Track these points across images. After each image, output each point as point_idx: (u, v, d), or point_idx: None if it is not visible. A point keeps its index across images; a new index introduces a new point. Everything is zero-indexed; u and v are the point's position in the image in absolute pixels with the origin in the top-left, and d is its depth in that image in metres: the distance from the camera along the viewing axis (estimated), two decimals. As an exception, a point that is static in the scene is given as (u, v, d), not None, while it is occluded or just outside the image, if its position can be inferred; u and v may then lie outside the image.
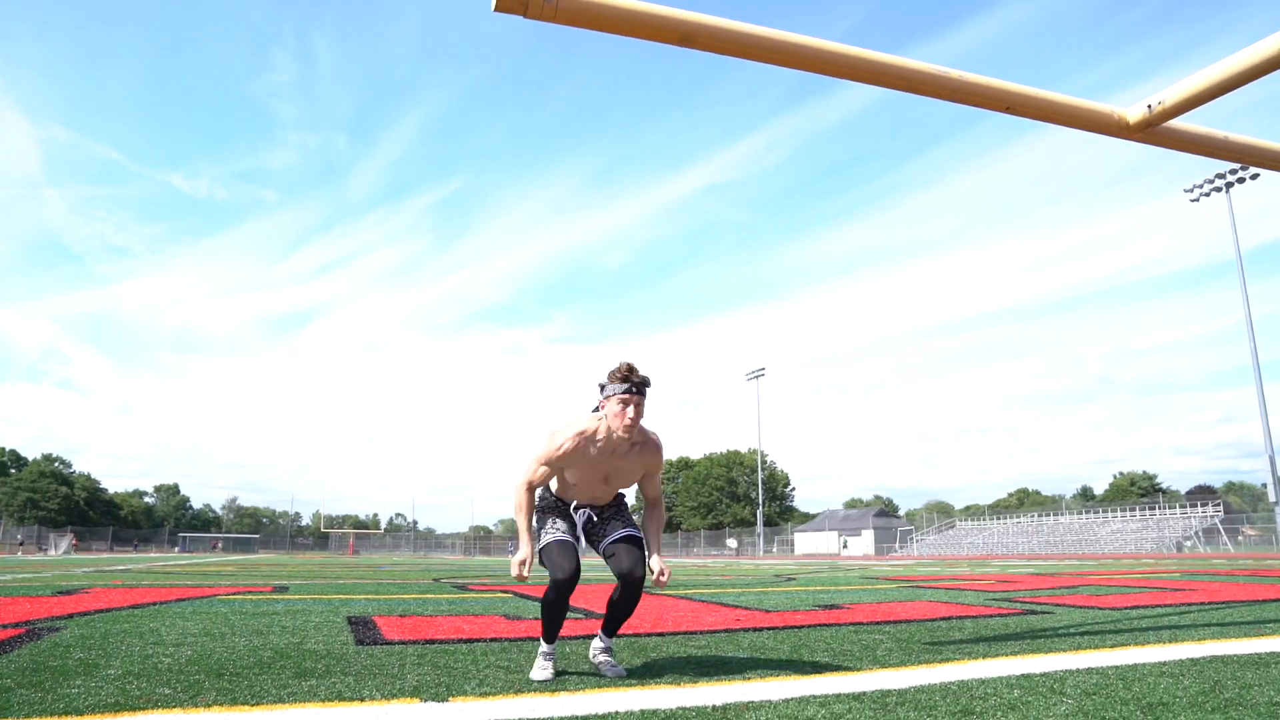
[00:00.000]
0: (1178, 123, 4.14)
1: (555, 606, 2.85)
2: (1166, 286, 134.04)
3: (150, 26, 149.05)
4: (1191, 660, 3.09)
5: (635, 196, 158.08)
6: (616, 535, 3.01)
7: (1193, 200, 39.57)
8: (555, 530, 2.96)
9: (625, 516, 3.14)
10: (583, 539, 3.09)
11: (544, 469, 2.98)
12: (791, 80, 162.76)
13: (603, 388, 2.86)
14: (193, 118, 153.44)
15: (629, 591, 2.91)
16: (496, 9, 3.02)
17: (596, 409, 2.94)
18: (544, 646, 2.89)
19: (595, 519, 3.09)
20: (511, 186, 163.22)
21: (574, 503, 3.11)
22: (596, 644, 3.06)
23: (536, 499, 3.08)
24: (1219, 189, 38.24)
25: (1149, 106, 3.90)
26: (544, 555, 2.92)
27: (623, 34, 3.26)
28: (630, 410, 2.78)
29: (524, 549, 2.88)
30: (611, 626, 3.02)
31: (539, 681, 2.75)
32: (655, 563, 2.96)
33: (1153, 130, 4.04)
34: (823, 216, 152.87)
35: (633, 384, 2.78)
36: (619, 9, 3.15)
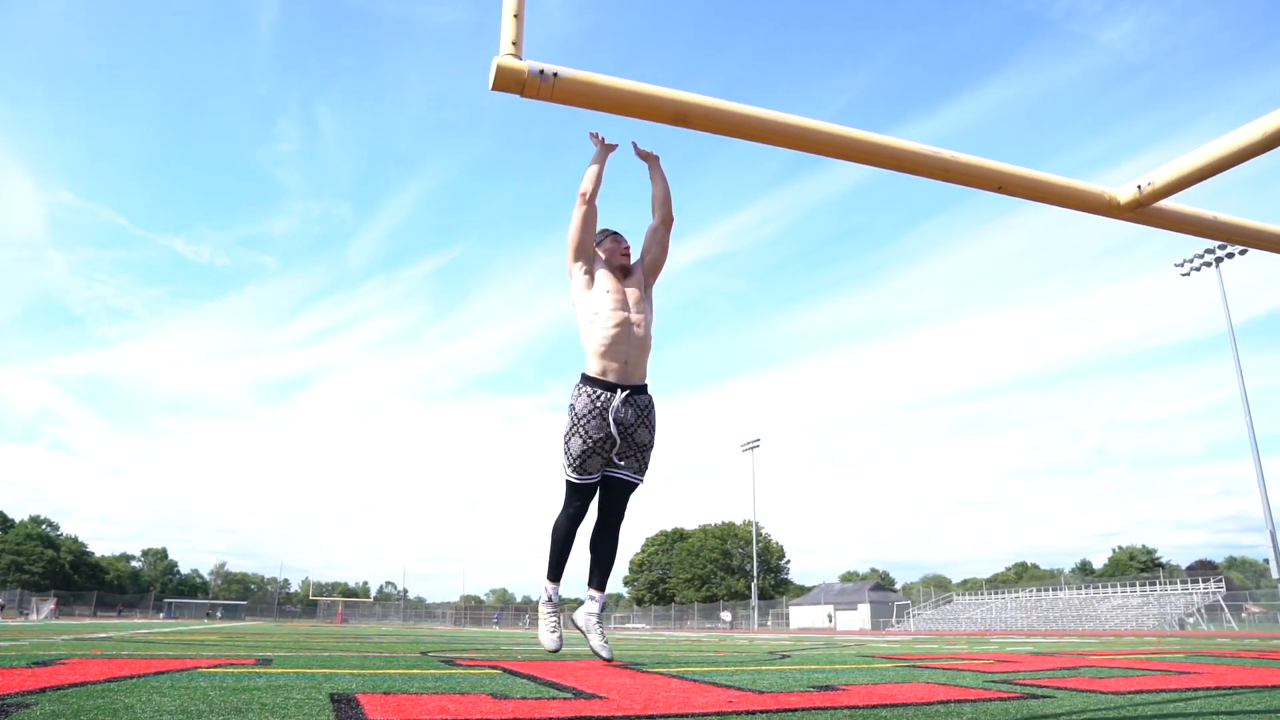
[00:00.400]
0: (1167, 203, 4.20)
1: (563, 535, 3.12)
2: (1160, 359, 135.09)
3: (158, 93, 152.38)
4: (1198, 752, 3.00)
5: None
6: (619, 474, 3.26)
7: (1184, 275, 40.12)
8: (578, 466, 3.20)
9: (642, 460, 3.37)
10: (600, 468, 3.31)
11: (593, 207, 3.62)
12: (785, 157, 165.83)
13: (597, 246, 3.70)
14: (197, 184, 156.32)
15: (608, 527, 3.14)
16: (493, 88, 3.07)
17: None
18: (548, 588, 3.08)
19: (619, 443, 3.30)
20: (510, 256, 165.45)
21: (609, 390, 3.32)
22: (586, 607, 3.15)
23: (576, 397, 3.32)
24: (1209, 264, 38.82)
25: (1139, 187, 3.96)
26: (566, 483, 3.21)
27: (617, 113, 3.32)
28: (624, 243, 3.67)
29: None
30: (598, 577, 3.17)
31: (550, 651, 2.88)
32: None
33: (1143, 210, 4.09)
34: (818, 288, 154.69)
35: (610, 230, 3.65)
36: (614, 90, 3.21)
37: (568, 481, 3.23)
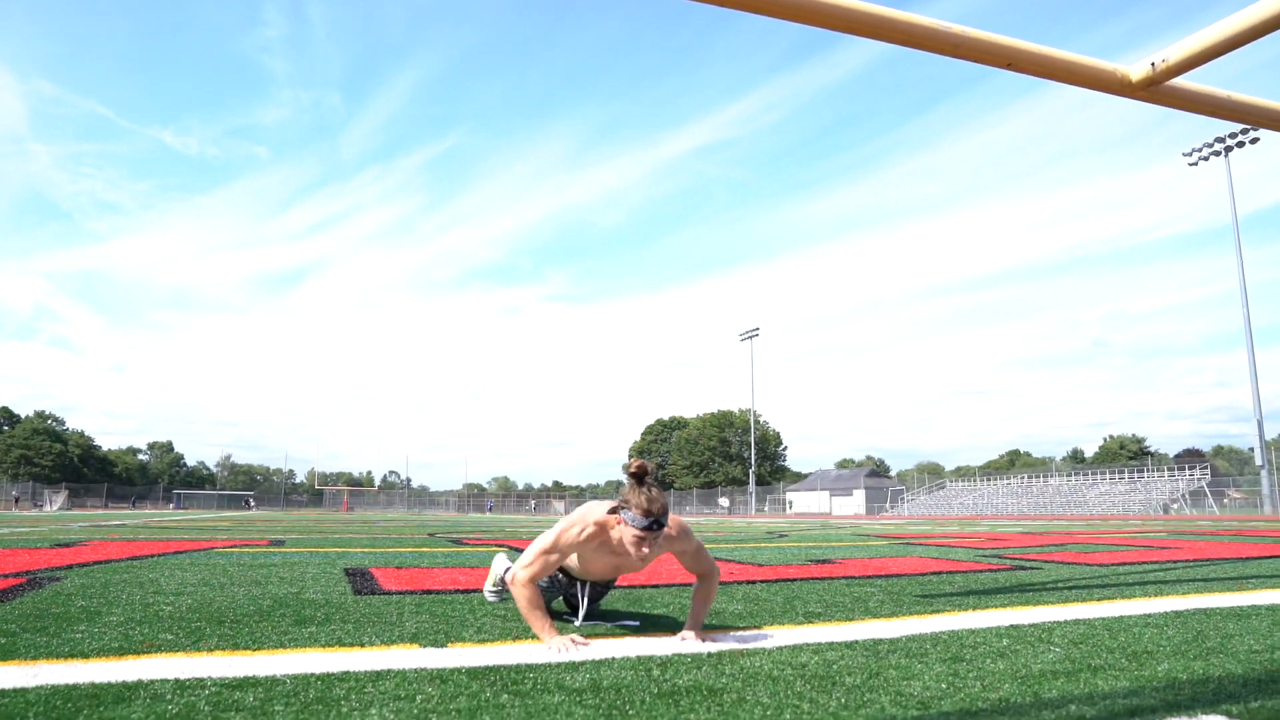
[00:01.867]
0: (1181, 81, 4.10)
1: (537, 597, 2.73)
2: (1164, 250, 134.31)
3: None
4: (1175, 613, 3.15)
5: (630, 157, 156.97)
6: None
7: (1191, 164, 39.48)
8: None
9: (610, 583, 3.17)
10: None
11: (552, 558, 2.76)
12: (789, 41, 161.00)
13: (624, 501, 2.69)
14: (182, 73, 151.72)
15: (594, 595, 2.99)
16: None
17: (614, 510, 2.74)
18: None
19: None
20: (506, 146, 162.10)
21: (575, 580, 3.03)
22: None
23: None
24: (1218, 153, 38.15)
25: (1152, 64, 3.87)
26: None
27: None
28: (647, 548, 2.64)
29: (551, 640, 2.56)
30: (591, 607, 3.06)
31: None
32: (688, 633, 2.69)
33: (1155, 89, 4.01)
34: (819, 177, 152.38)
35: (654, 521, 2.62)
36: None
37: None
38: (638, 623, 3.01)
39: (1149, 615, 3.08)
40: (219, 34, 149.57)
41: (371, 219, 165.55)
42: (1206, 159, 38.39)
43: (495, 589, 3.59)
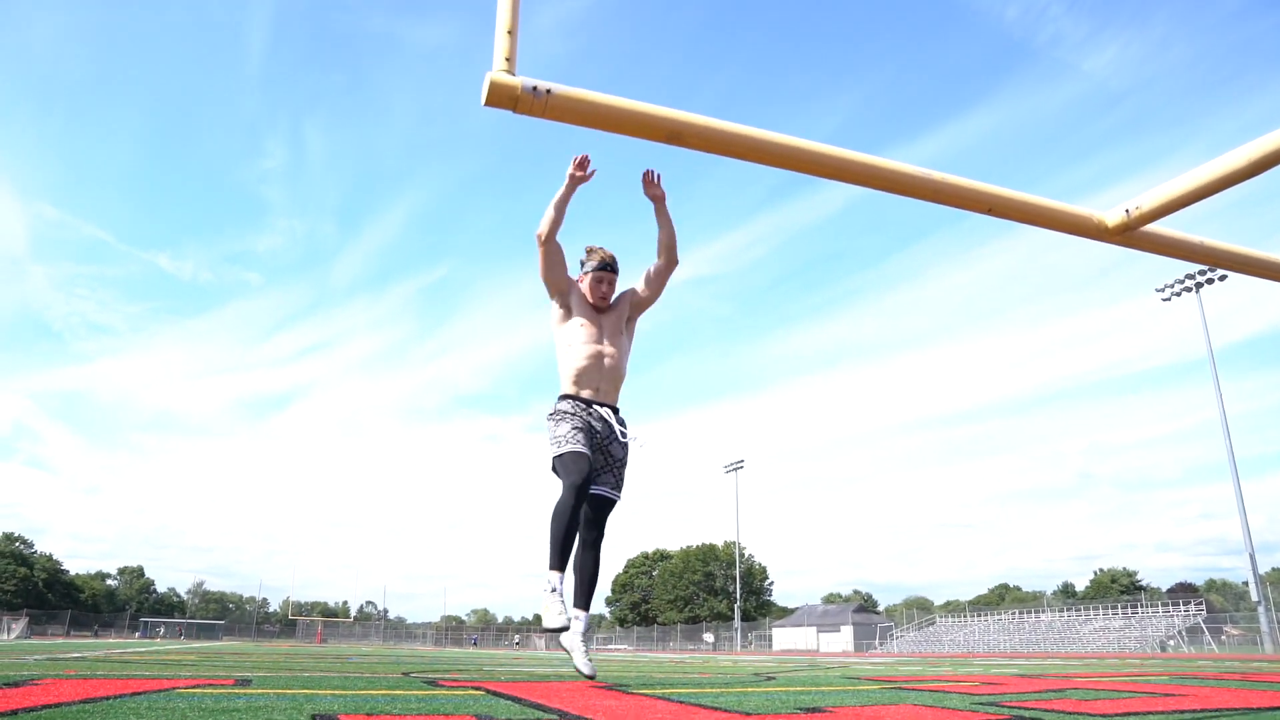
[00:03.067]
0: (1154, 227, 4.23)
1: (568, 515, 3.13)
2: (1142, 383, 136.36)
3: (144, 108, 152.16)
4: (1189, 775, 2.98)
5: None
6: (598, 490, 3.39)
7: (1164, 300, 40.55)
8: (571, 440, 3.25)
9: (619, 475, 3.61)
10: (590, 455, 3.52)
11: (553, 247, 3.56)
12: (775, 179, 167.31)
13: (583, 263, 3.62)
14: (182, 200, 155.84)
15: (590, 545, 3.28)
16: (486, 104, 3.07)
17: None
18: (552, 580, 3.12)
19: (599, 457, 3.52)
20: (496, 275, 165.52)
21: (585, 404, 3.41)
22: (572, 627, 3.24)
23: (556, 405, 3.51)
24: (1189, 289, 39.25)
25: (1127, 211, 4.00)
26: (557, 463, 3.24)
27: (611, 131, 3.32)
28: (604, 285, 3.59)
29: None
30: (581, 595, 3.27)
31: (553, 630, 2.99)
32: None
33: (1131, 234, 4.13)
34: (804, 311, 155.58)
35: (605, 264, 3.56)
36: (608, 107, 3.21)
37: (561, 458, 3.26)
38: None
39: (1160, 778, 2.91)
40: (220, 163, 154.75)
41: (360, 346, 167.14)
42: (1179, 295, 39.44)
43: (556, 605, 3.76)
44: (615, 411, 3.57)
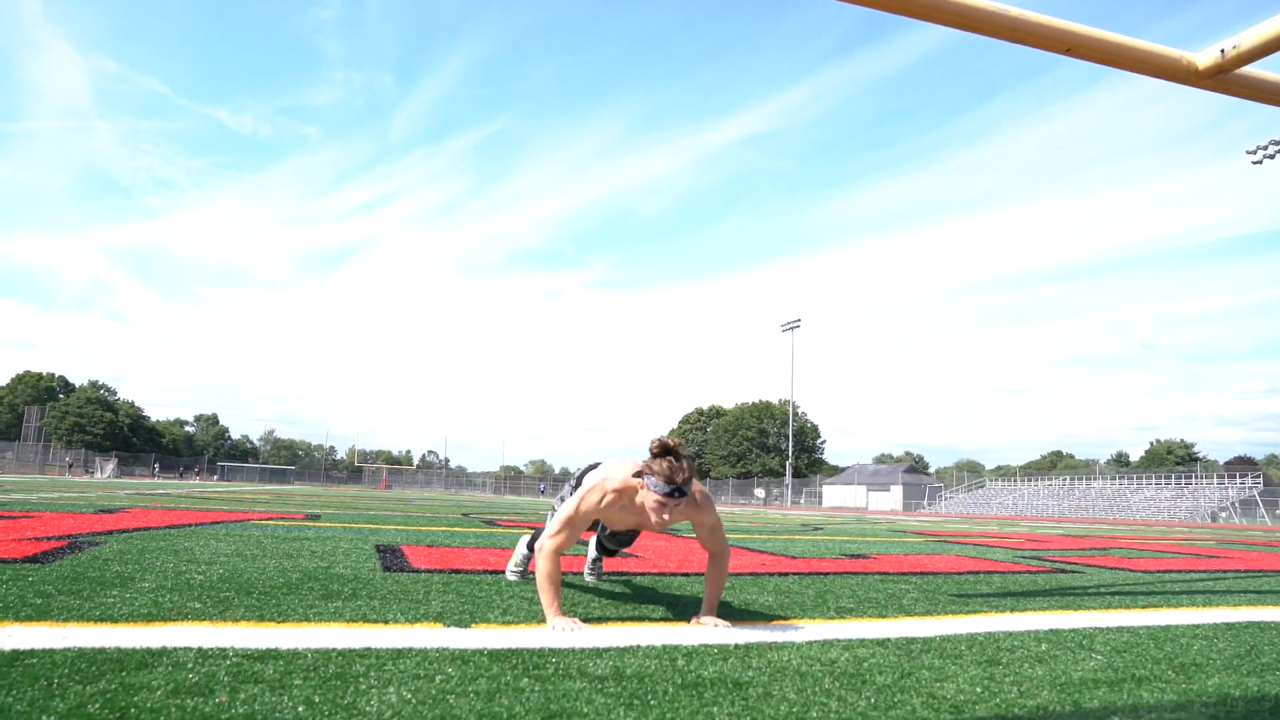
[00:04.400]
0: (1251, 69, 3.93)
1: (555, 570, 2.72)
2: (1222, 252, 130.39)
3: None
4: (1227, 625, 3.03)
5: (677, 144, 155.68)
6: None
7: (1255, 162, 38.24)
8: (570, 534, 2.78)
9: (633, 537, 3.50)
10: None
11: (577, 525, 2.80)
12: (841, 30, 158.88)
13: (648, 467, 2.68)
14: (239, 53, 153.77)
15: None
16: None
17: (639, 474, 2.74)
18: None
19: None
20: (553, 130, 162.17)
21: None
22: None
23: (589, 491, 2.86)
24: (1282, 151, 36.88)
25: (1221, 51, 3.71)
26: (559, 521, 2.78)
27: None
28: (668, 514, 2.65)
29: (555, 620, 2.55)
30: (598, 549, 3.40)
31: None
32: (706, 618, 2.71)
33: (1224, 77, 3.84)
34: (866, 169, 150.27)
35: (676, 489, 2.63)
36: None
37: (556, 533, 2.78)
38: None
39: (1197, 626, 2.96)
40: (275, 14, 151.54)
41: (417, 201, 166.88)
42: (1272, 157, 37.16)
43: (518, 569, 3.71)
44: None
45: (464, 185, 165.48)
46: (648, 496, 2.65)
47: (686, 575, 4.09)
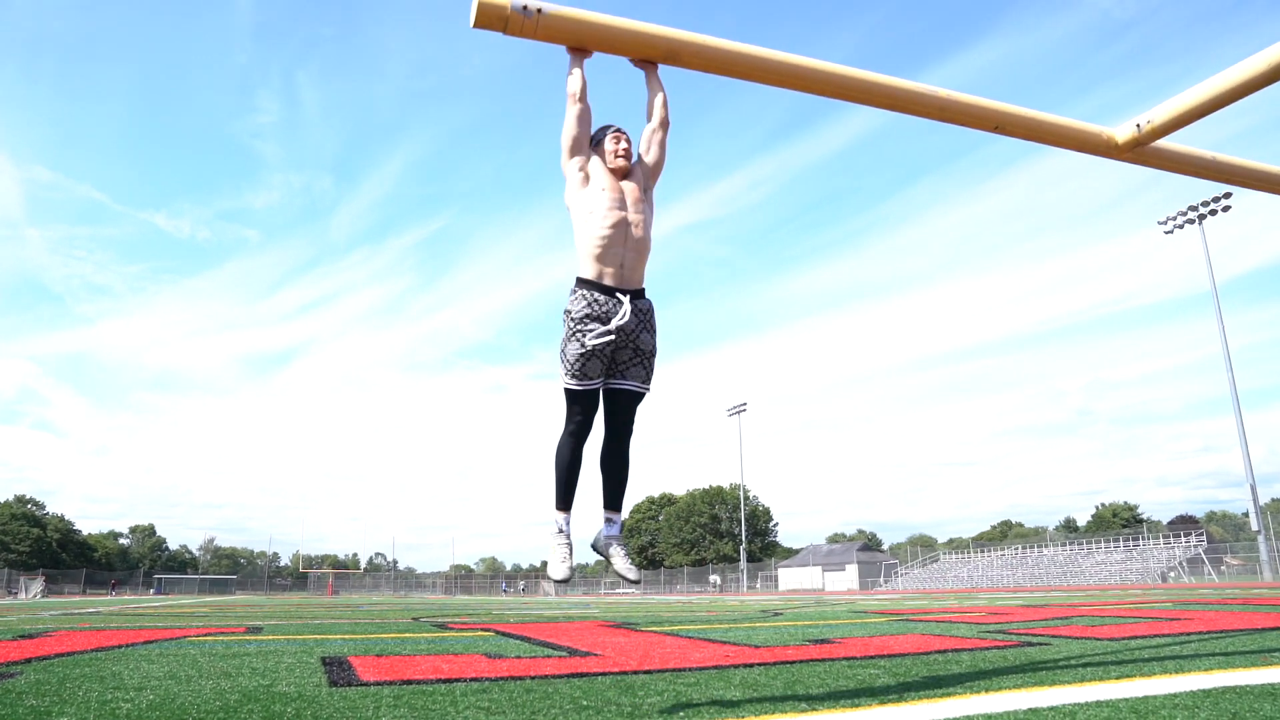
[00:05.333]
0: (1165, 143, 4.11)
1: (568, 456, 3.16)
2: (1143, 319, 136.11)
3: (135, 67, 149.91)
4: (1204, 691, 2.97)
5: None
6: (624, 385, 3.25)
7: (1166, 232, 40.19)
8: (579, 373, 3.15)
9: (648, 368, 3.40)
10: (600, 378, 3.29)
11: (585, 105, 3.35)
12: (775, 120, 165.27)
13: (593, 138, 3.44)
14: (176, 158, 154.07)
15: (617, 442, 3.20)
16: (475, 25, 2.95)
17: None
18: (558, 519, 3.06)
19: (619, 354, 3.30)
20: (495, 224, 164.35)
21: (608, 293, 3.28)
22: (603, 530, 3.18)
23: (572, 300, 3.28)
24: (1191, 221, 38.86)
25: (1137, 126, 3.88)
26: (567, 394, 3.15)
27: (605, 50, 3.19)
28: (622, 141, 3.39)
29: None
30: (612, 497, 3.20)
31: (558, 581, 2.97)
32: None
33: (1141, 150, 4.01)
34: (805, 253, 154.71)
35: (614, 126, 3.44)
36: (601, 26, 3.09)
37: (567, 391, 3.13)
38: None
39: (1176, 695, 2.90)
40: (213, 120, 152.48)
41: (360, 300, 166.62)
42: (1181, 227, 39.05)
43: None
44: (642, 294, 3.37)
45: (407, 283, 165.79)
46: (604, 149, 3.42)
47: (649, 673, 3.92)
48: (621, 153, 3.29)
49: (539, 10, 2.99)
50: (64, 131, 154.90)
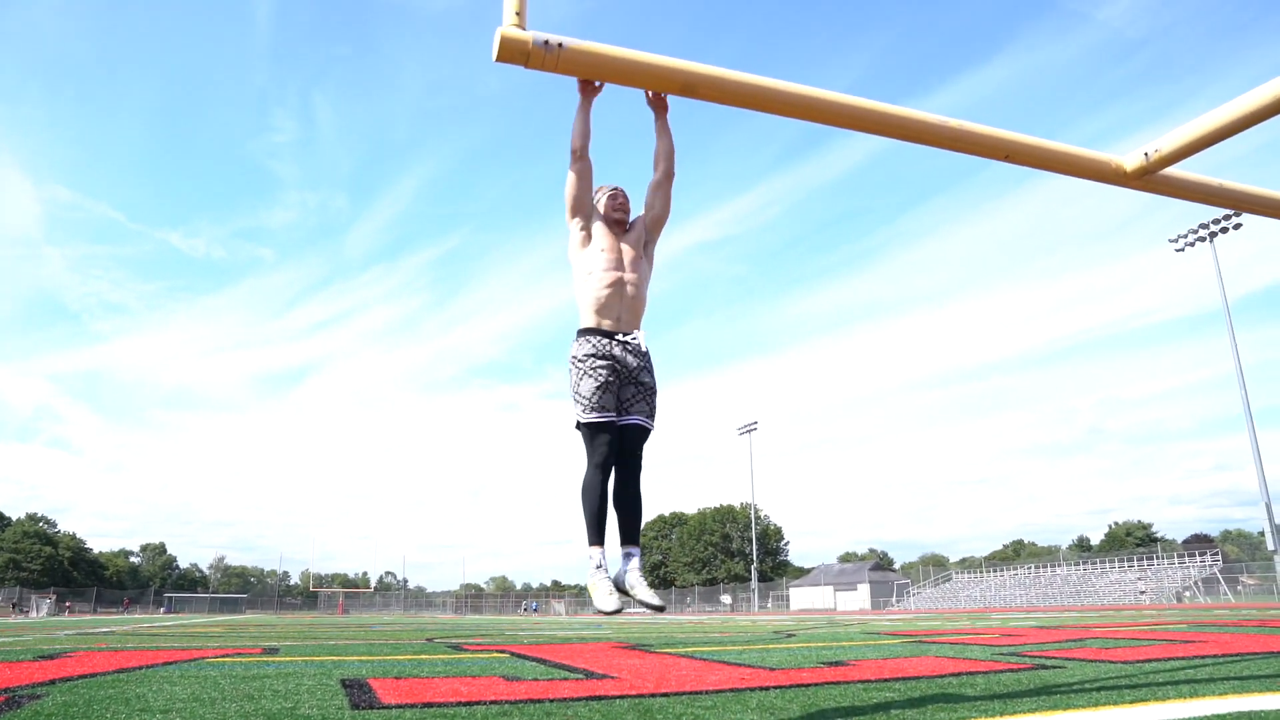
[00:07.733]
0: (1173, 170, 4.16)
1: (597, 491, 3.21)
2: (1155, 337, 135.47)
3: (153, 87, 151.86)
4: (1218, 717, 2.99)
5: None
6: (630, 420, 3.38)
7: (1178, 250, 40.10)
8: (595, 406, 3.29)
9: (651, 404, 3.52)
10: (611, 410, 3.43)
11: (586, 163, 3.52)
12: (787, 139, 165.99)
13: (595, 194, 3.63)
14: (193, 177, 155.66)
15: (629, 478, 3.29)
16: (497, 59, 3.03)
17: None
18: (594, 556, 3.18)
19: (624, 390, 3.44)
20: (509, 243, 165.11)
21: (608, 336, 3.44)
22: (624, 564, 3.24)
23: (577, 346, 3.47)
24: (1203, 239, 38.79)
25: (1145, 154, 3.93)
26: (583, 430, 3.28)
27: (624, 83, 3.27)
28: (620, 198, 3.63)
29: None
30: (629, 532, 3.28)
31: (608, 613, 3.05)
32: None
33: (1150, 178, 4.06)
34: (817, 271, 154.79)
35: (609, 186, 3.69)
36: (621, 59, 3.16)
37: (586, 427, 3.24)
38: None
39: (1189, 720, 2.92)
40: (230, 139, 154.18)
41: (374, 318, 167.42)
42: (1193, 245, 38.97)
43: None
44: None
45: (421, 301, 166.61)
46: (601, 200, 3.67)
47: (666, 696, 3.96)
48: (619, 208, 3.56)
49: (560, 45, 3.07)
50: (84, 152, 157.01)
